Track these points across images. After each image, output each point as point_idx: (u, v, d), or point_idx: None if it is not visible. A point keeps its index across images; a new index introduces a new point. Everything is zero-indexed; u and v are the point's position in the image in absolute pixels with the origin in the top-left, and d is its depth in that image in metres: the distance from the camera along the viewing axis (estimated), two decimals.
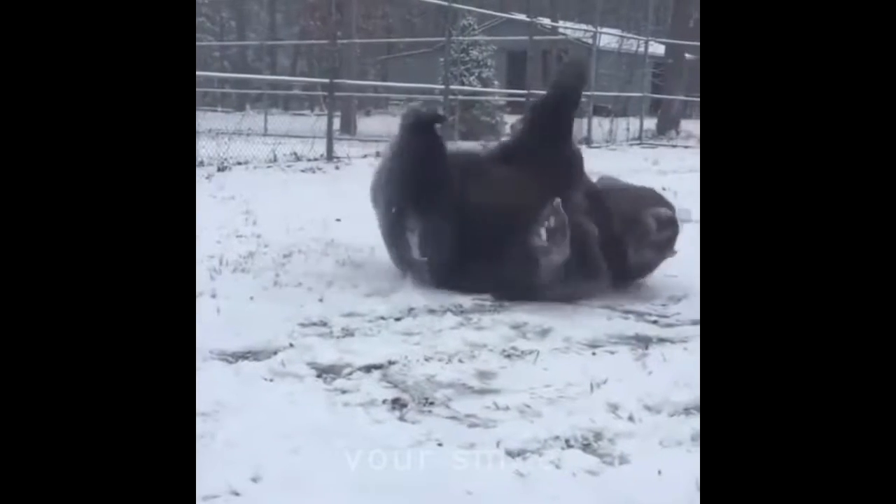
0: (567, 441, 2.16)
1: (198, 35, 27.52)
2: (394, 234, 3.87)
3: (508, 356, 2.88)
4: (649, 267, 3.89)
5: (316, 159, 10.13)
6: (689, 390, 2.47)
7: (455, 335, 3.06)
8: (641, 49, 19.51)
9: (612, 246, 3.70)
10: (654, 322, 3.39)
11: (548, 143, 3.83)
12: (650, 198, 4.03)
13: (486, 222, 3.60)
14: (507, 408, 2.38)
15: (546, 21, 22.57)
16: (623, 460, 2.06)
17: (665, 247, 3.84)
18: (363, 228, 5.17)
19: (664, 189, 7.94)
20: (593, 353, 2.94)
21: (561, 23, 24.66)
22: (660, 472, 1.96)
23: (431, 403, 2.42)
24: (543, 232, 3.44)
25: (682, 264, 3.96)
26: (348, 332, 3.09)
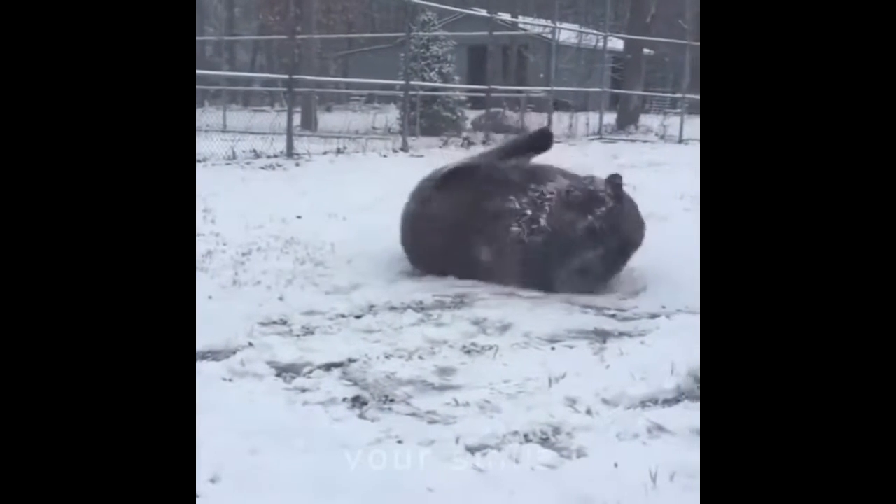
0: (526, 436, 2.18)
1: None
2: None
3: (468, 352, 2.89)
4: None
5: (276, 156, 10.05)
6: (646, 383, 2.51)
7: (415, 332, 3.07)
8: (600, 44, 19.66)
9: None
10: (613, 316, 3.43)
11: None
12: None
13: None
14: (467, 404, 2.39)
15: (506, 16, 22.62)
16: (581, 454, 2.09)
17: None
18: (323, 225, 5.17)
19: (626, 184, 8.04)
20: (552, 348, 2.96)
21: (521, 18, 24.74)
22: (616, 465, 1.98)
23: (391, 401, 2.42)
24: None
25: (641, 259, 4.01)
26: (308, 331, 3.09)
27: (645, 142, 15.91)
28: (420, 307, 3.43)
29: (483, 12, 16.82)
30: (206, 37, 31.10)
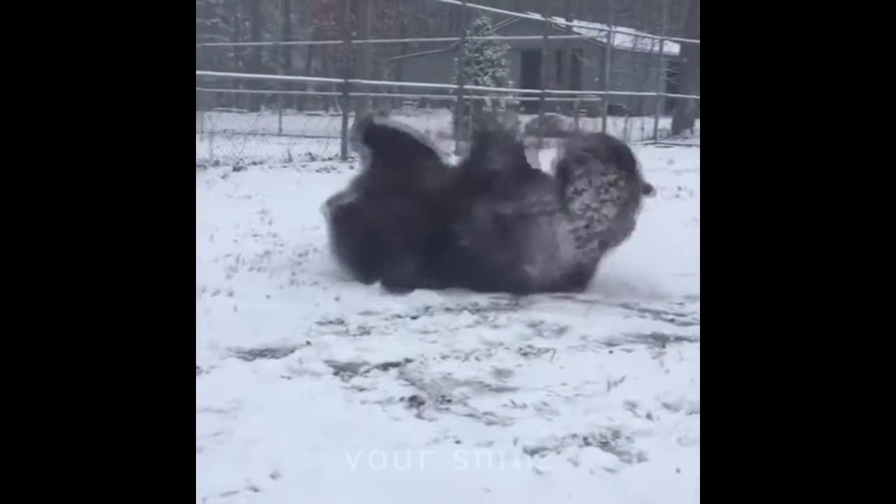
0: (585, 439, 2.16)
1: (213, 36, 27.67)
2: None
3: (525, 354, 2.88)
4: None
5: (331, 159, 10.14)
6: None
7: (471, 333, 3.07)
8: (656, 48, 19.44)
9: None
10: (671, 321, 3.38)
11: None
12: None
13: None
14: (525, 406, 2.38)
15: (560, 20, 22.52)
16: (641, 458, 2.06)
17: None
18: None
19: (680, 188, 7.94)
20: (610, 352, 2.93)
21: (575, 22, 24.61)
22: (678, 471, 1.95)
23: (449, 401, 2.42)
24: None
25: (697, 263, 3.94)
26: (365, 331, 3.10)
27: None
28: (476, 309, 3.43)
29: (537, 16, 16.77)
30: (263, 42, 31.55)
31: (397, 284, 3.61)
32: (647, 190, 3.96)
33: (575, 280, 3.78)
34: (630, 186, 3.79)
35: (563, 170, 3.78)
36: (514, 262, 3.69)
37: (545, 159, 3.93)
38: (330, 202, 3.99)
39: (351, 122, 12.34)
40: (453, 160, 4.22)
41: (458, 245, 3.68)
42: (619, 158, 3.81)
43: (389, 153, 4.06)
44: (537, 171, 3.88)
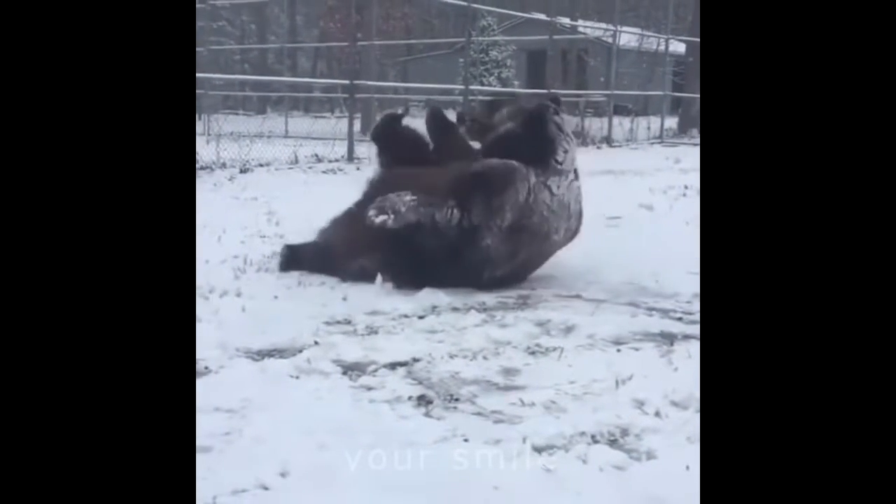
0: (593, 437, 2.16)
1: (218, 39, 27.73)
2: None
3: (532, 353, 2.88)
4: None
5: (337, 160, 10.17)
6: None
7: (479, 332, 3.07)
8: (662, 47, 19.43)
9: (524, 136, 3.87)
10: (679, 319, 3.38)
11: None
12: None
13: None
14: (533, 404, 2.38)
15: (565, 20, 22.51)
16: (650, 456, 2.06)
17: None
18: None
19: (686, 187, 7.93)
20: (618, 350, 2.93)
21: (580, 22, 24.58)
22: (687, 468, 1.94)
23: (457, 400, 2.42)
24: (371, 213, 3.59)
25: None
26: (372, 330, 3.11)
27: None
28: (483, 308, 3.43)
29: (542, 16, 16.76)
30: (269, 44, 31.62)
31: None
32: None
33: None
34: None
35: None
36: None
37: None
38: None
39: (357, 124, 12.39)
40: None
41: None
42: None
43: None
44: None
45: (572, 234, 4.01)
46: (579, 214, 4.02)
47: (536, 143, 3.88)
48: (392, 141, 4.35)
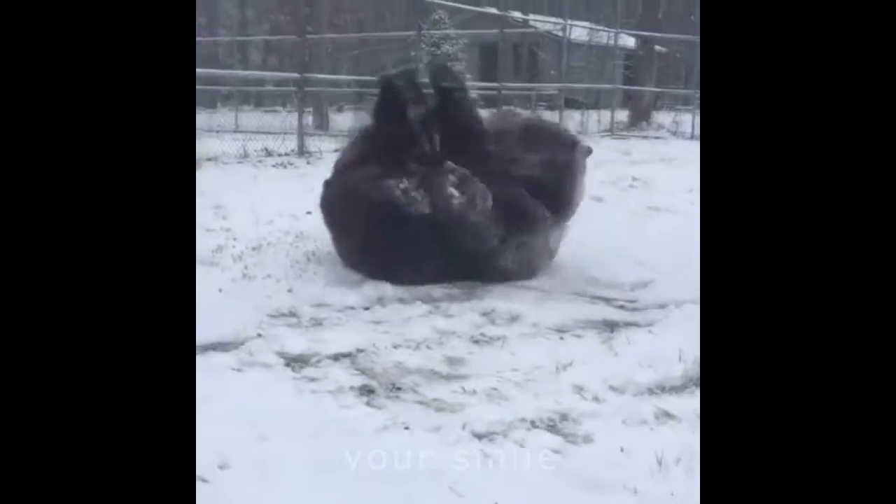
0: (533, 422, 2.19)
1: None
2: None
3: (477, 342, 2.90)
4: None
5: (287, 154, 10.08)
6: (654, 371, 2.51)
7: (424, 323, 3.08)
8: (612, 41, 19.60)
9: (550, 187, 3.78)
10: (622, 307, 3.43)
11: None
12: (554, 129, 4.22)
13: None
14: (475, 392, 2.40)
15: (517, 14, 22.58)
16: (587, 439, 2.09)
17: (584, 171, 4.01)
18: None
19: (635, 179, 8.04)
20: (561, 338, 2.97)
21: (532, 16, 24.71)
22: (622, 450, 1.99)
23: (399, 389, 2.43)
24: (453, 190, 3.47)
25: (649, 250, 4.01)
26: (317, 322, 3.10)
27: (657, 138, 15.86)
28: (429, 299, 3.44)
29: (494, 10, 16.81)
30: (219, 38, 31.20)
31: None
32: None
33: None
34: None
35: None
36: None
37: None
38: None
39: (308, 118, 12.29)
40: None
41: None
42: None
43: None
44: None
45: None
46: (553, 252, 4.04)
47: (561, 201, 3.85)
48: (395, 98, 4.03)
